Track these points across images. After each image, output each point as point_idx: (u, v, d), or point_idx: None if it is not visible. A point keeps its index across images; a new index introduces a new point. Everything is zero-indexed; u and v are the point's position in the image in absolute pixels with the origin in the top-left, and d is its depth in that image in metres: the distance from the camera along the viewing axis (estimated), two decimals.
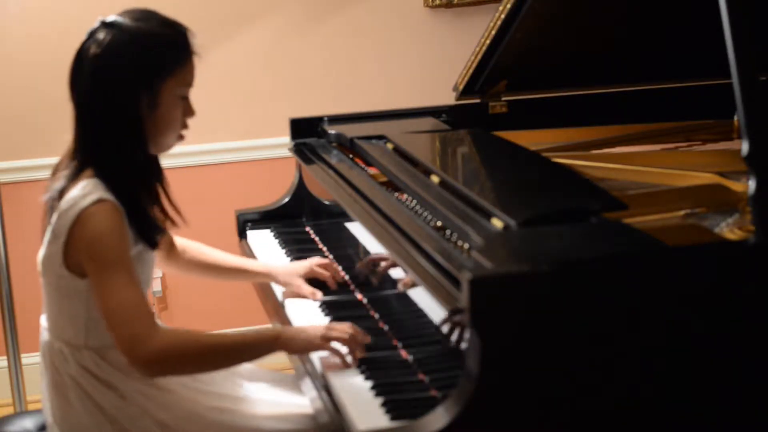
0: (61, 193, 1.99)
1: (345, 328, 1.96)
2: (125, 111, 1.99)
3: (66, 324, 2.03)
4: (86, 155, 2.01)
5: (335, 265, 2.40)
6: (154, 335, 1.90)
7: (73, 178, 2.00)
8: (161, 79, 2.00)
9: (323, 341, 1.95)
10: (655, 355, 1.62)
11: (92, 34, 2.00)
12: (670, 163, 2.36)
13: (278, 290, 2.40)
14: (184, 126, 2.08)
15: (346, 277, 2.40)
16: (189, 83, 2.05)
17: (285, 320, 2.25)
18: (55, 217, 1.98)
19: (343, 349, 1.94)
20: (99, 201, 1.94)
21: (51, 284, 2.03)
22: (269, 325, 2.05)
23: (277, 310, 2.32)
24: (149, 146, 2.03)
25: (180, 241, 2.38)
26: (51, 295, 2.04)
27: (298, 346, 1.98)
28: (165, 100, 2.01)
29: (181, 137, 2.09)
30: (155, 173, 2.07)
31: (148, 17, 2.03)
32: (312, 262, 2.39)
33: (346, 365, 1.92)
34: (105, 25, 2.00)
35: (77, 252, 1.96)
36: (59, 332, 2.05)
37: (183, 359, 1.94)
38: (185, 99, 2.05)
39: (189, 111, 2.07)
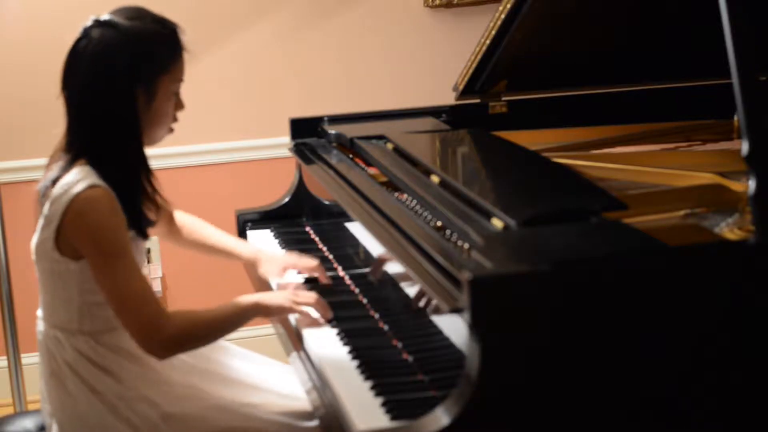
0: (54, 182, 2.03)
1: (310, 293, 2.17)
2: (122, 107, 2.04)
3: (60, 309, 2.06)
4: (81, 149, 2.05)
5: (319, 270, 2.38)
6: (165, 320, 1.99)
7: (67, 168, 2.03)
8: (157, 75, 2.06)
9: (294, 305, 2.13)
10: (655, 355, 1.62)
11: (86, 33, 2.04)
12: (670, 163, 2.36)
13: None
14: (175, 119, 2.15)
15: (346, 277, 2.40)
16: (181, 78, 2.12)
17: (284, 320, 2.24)
18: (47, 204, 2.00)
19: (313, 312, 2.14)
20: (92, 186, 1.98)
21: (45, 270, 2.06)
22: (247, 296, 2.17)
23: None
24: (144, 139, 2.09)
25: (179, 216, 2.44)
26: (45, 282, 2.07)
27: (274, 310, 2.15)
28: (160, 95, 2.07)
29: (171, 130, 2.16)
30: (145, 165, 2.10)
31: (141, 15, 2.08)
32: (296, 262, 2.40)
33: (317, 324, 2.13)
34: (99, 23, 2.05)
35: (73, 237, 2.00)
36: (54, 319, 2.07)
37: (192, 338, 2.05)
38: (177, 94, 2.12)
39: (179, 105, 2.15)
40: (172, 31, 2.10)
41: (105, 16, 2.05)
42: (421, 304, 1.90)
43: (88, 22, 2.05)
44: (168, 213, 2.35)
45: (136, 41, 2.03)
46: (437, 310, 1.82)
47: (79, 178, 1.99)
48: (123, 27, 2.03)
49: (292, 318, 2.21)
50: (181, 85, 2.13)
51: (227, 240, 2.47)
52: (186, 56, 2.11)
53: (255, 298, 2.14)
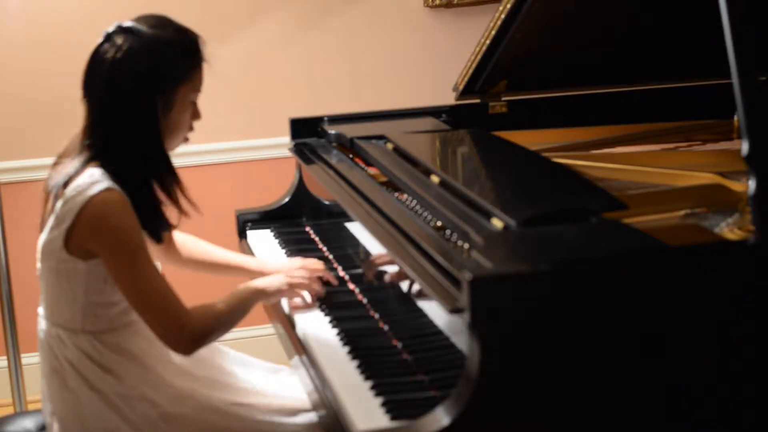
0: (66, 182, 2.02)
1: (303, 273, 2.24)
2: (141, 114, 2.06)
3: (64, 308, 2.06)
4: (98, 152, 2.05)
5: (326, 272, 2.38)
6: (188, 315, 2.02)
7: (81, 169, 2.04)
8: (176, 85, 2.08)
9: (290, 287, 2.21)
10: (655, 354, 1.62)
11: (109, 38, 2.06)
12: (670, 163, 2.36)
13: None
14: (191, 129, 2.18)
15: (346, 277, 2.40)
16: (199, 89, 2.15)
17: (285, 321, 2.25)
18: (59, 203, 2.00)
19: (307, 296, 2.24)
20: (107, 189, 1.99)
21: (51, 269, 2.06)
22: (243, 285, 2.22)
23: (276, 310, 2.32)
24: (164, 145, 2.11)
25: (178, 235, 2.42)
26: (50, 281, 2.07)
27: (273, 293, 2.21)
28: (178, 104, 2.09)
29: (186, 139, 2.18)
30: (170, 169, 2.12)
31: (164, 24, 2.10)
32: (304, 263, 2.40)
33: (309, 305, 2.23)
34: (123, 30, 2.07)
35: (88, 239, 2.00)
36: (56, 318, 2.08)
37: (214, 330, 2.07)
38: (194, 103, 2.15)
39: (196, 114, 2.17)
40: (194, 42, 2.12)
41: (128, 23, 2.07)
42: (407, 289, 1.92)
43: (111, 28, 2.07)
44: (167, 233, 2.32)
45: (158, 50, 2.05)
46: (421, 295, 1.83)
47: (93, 181, 1.99)
48: (145, 35, 2.05)
49: (286, 306, 2.23)
50: (198, 96, 2.14)
51: (230, 256, 2.48)
52: (205, 67, 2.14)
53: (254, 285, 2.19)
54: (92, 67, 2.07)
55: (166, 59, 2.06)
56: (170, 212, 2.15)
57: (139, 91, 2.04)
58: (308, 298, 2.25)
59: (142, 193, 2.06)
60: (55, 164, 2.12)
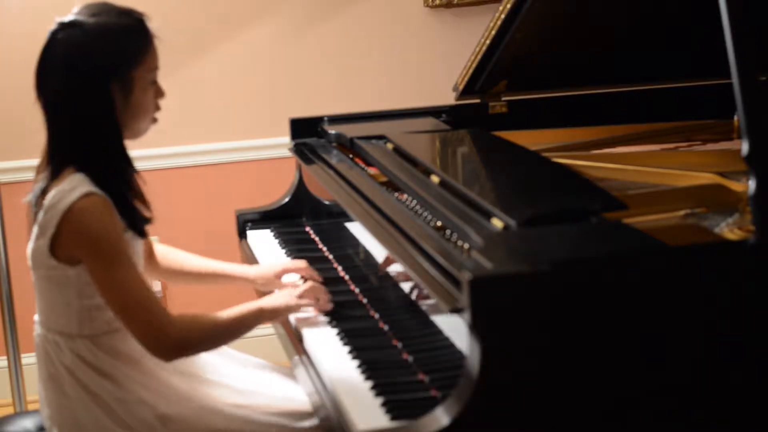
0: (44, 192, 2.01)
1: (307, 283, 2.21)
2: (99, 107, 2.01)
3: (59, 314, 2.05)
4: (65, 154, 2.03)
5: (310, 270, 2.36)
6: (171, 323, 1.98)
7: (54, 177, 2.01)
8: (129, 68, 2.03)
9: (298, 302, 2.15)
10: (655, 355, 1.62)
11: (53, 36, 2.02)
12: (670, 163, 2.36)
13: None
14: (157, 108, 2.12)
15: (346, 277, 2.40)
16: (156, 67, 2.09)
17: (284, 321, 2.24)
18: (41, 213, 1.99)
19: (313, 305, 2.18)
20: (88, 194, 1.97)
21: (41, 277, 2.05)
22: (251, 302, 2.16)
23: None
24: (125, 135, 2.06)
25: (159, 247, 2.39)
26: (42, 287, 2.06)
27: (281, 312, 2.16)
28: (136, 88, 2.04)
29: (154, 120, 2.13)
30: (129, 163, 2.08)
31: (105, 10, 2.05)
32: (286, 264, 2.39)
33: (318, 318, 2.17)
34: (64, 25, 2.02)
35: (70, 246, 1.99)
36: (52, 323, 2.06)
37: (197, 342, 2.04)
38: (154, 83, 2.09)
39: (159, 93, 2.11)
40: (139, 22, 2.06)
41: (69, 17, 2.02)
42: (414, 296, 1.91)
43: (54, 26, 2.02)
44: (148, 243, 2.28)
45: (103, 38, 2.00)
46: (428, 300, 1.83)
47: (72, 186, 1.97)
48: (88, 25, 2.00)
49: (292, 318, 2.21)
50: (157, 73, 2.09)
51: (211, 264, 2.42)
52: (159, 44, 2.07)
53: (259, 304, 2.14)
54: (41, 69, 2.03)
55: (112, 45, 2.01)
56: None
57: (92, 83, 1.99)
58: (320, 305, 2.21)
59: (118, 189, 2.02)
60: (36, 175, 2.10)
